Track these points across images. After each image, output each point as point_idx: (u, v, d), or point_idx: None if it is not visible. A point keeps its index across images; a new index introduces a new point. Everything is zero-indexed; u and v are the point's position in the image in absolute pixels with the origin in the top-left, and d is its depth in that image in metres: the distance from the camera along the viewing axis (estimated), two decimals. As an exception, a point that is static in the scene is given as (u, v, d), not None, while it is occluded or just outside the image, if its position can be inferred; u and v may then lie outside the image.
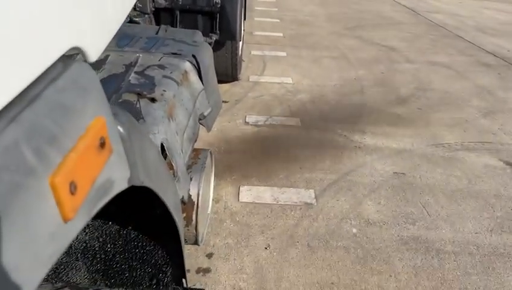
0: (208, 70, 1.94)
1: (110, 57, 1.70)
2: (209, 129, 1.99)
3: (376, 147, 3.31)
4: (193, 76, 1.77)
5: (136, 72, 1.60)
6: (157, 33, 2.17)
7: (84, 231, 1.19)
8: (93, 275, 1.25)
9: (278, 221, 2.42)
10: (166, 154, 1.34)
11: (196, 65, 1.81)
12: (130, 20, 3.23)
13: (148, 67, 1.65)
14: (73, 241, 1.20)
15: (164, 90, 1.48)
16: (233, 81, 4.30)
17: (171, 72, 1.63)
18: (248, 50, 5.44)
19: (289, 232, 2.34)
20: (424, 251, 2.25)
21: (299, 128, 3.54)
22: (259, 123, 3.57)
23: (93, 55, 0.55)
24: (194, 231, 1.59)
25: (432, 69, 5.27)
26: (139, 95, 1.42)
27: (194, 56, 1.81)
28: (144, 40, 2.01)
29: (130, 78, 1.55)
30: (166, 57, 1.75)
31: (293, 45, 5.99)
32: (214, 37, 3.30)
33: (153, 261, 1.24)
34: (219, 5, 3.50)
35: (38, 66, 0.42)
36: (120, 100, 1.39)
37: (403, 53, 5.89)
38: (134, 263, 1.24)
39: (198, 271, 2.04)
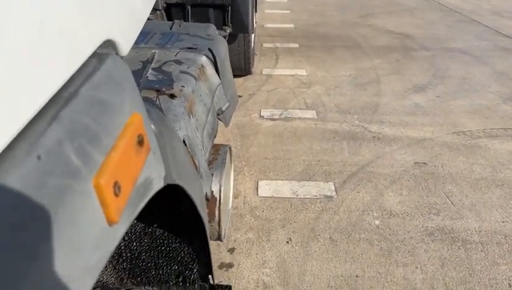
0: (224, 63, 1.91)
1: (126, 54, 1.68)
2: (227, 124, 1.97)
3: (395, 137, 3.24)
4: (210, 70, 1.74)
5: (153, 69, 1.58)
6: (171, 28, 2.15)
7: (110, 230, 1.18)
8: (120, 273, 1.25)
9: (299, 215, 2.39)
10: (188, 150, 1.33)
11: (212, 59, 1.78)
12: None
13: (165, 63, 1.63)
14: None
15: (183, 86, 1.46)
16: (246, 75, 4.27)
17: (188, 67, 1.61)
18: (260, 43, 5.39)
19: (310, 225, 2.31)
20: (450, 241, 2.20)
21: (315, 120, 3.50)
22: (274, 117, 3.54)
23: (125, 48, 0.53)
24: (217, 227, 1.57)
25: (448, 55, 5.14)
26: (158, 91, 1.40)
27: (210, 50, 1.78)
28: (159, 36, 1.99)
29: (147, 74, 1.53)
30: (183, 52, 1.73)
31: (305, 35, 5.91)
32: (228, 30, 3.27)
33: (179, 258, 1.23)
34: (230, -2, 3.46)
35: (74, 62, 0.41)
36: (139, 97, 1.37)
37: (418, 40, 5.75)
38: (160, 261, 1.23)
39: (221, 266, 2.03)
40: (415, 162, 2.91)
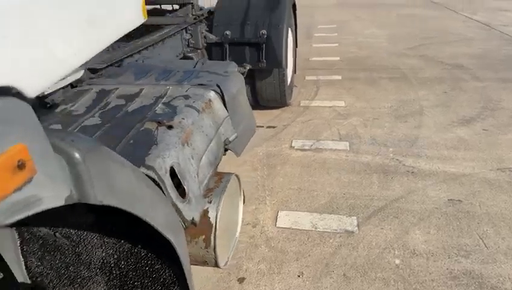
0: (234, 98, 2.02)
1: (144, 90, 1.87)
2: (237, 154, 2.05)
3: (431, 172, 3.08)
4: (217, 104, 1.86)
5: (163, 103, 1.74)
6: (194, 66, 2.33)
7: (101, 248, 1.30)
8: (111, 289, 1.35)
9: (315, 248, 2.35)
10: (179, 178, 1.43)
11: (220, 93, 1.90)
12: (184, 56, 3.52)
13: (175, 98, 1.78)
14: (92, 257, 1.32)
15: (183, 118, 1.58)
16: (282, 106, 4.36)
17: (194, 102, 1.74)
18: (302, 76, 5.49)
19: (325, 260, 2.26)
20: (477, 287, 2.01)
21: (346, 152, 3.45)
22: (305, 147, 3.55)
23: (31, 92, 0.65)
24: (213, 253, 1.62)
25: (502, 86, 4.81)
26: (159, 123, 1.54)
27: (218, 85, 1.91)
28: (181, 74, 2.18)
29: (156, 108, 1.69)
30: (193, 88, 1.87)
31: (349, 68, 5.91)
32: (248, 66, 3.44)
33: (162, 279, 1.30)
34: (265, 36, 3.64)
35: None
36: (142, 129, 1.52)
37: (470, 71, 5.47)
38: (145, 281, 1.32)
39: (227, 295, 2.06)
40: (449, 199, 2.73)
